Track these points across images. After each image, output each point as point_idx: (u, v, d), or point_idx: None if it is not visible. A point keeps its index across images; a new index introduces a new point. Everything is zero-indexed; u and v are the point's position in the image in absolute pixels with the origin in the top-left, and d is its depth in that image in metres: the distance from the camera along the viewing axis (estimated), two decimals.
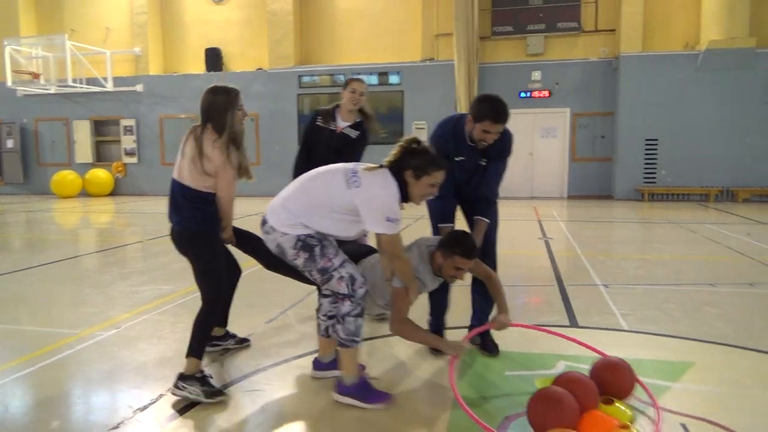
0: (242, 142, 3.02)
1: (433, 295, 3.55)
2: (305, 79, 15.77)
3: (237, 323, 3.87)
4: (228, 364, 3.43)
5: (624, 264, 6.44)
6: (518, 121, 14.85)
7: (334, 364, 3.17)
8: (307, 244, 2.77)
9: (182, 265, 4.10)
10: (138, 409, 2.83)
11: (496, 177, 3.46)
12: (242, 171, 3.04)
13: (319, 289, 3.21)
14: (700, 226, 9.29)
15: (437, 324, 3.67)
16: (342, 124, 4.32)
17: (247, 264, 3.58)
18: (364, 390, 2.88)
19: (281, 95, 15.78)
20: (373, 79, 15.32)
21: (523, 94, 14.66)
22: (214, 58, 16.27)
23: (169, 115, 16.56)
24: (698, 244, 7.79)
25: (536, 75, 14.57)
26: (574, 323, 4.22)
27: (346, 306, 2.81)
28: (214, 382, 3.01)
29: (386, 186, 2.74)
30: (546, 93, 14.57)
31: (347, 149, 4.19)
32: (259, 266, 3.27)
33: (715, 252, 7.16)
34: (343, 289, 2.80)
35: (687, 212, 11.46)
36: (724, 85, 13.28)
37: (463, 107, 14.27)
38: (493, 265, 3.46)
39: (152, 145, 16.87)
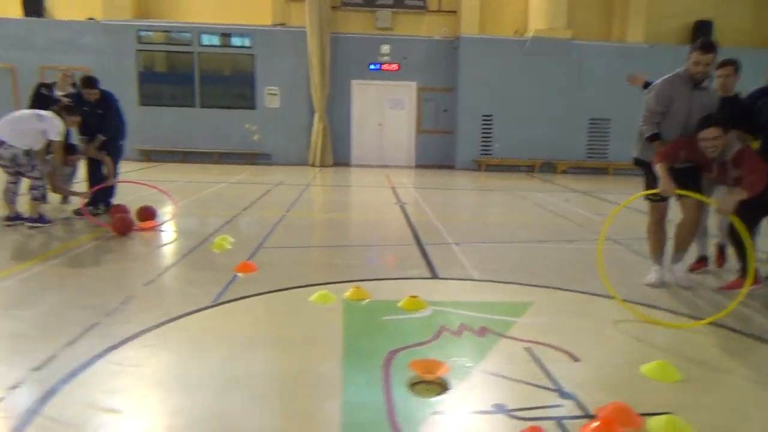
0: None
1: None
2: (144, 34, 14.67)
3: (115, 285, 3.76)
4: (117, 326, 3.39)
5: (469, 226, 7.24)
6: (369, 92, 15.44)
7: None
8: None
9: None
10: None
11: None
12: None
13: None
14: (529, 194, 10.61)
15: None
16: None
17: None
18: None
19: (118, 50, 14.50)
20: (228, 40, 14.80)
21: (372, 66, 15.19)
22: (34, 1, 14.40)
23: None
24: (527, 208, 8.94)
25: (385, 48, 15.15)
26: (435, 275, 4.78)
27: None
28: None
29: None
30: (395, 66, 15.24)
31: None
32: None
33: (541, 215, 8.31)
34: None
35: (517, 181, 12.93)
36: (546, 69, 15.01)
37: (316, 76, 14.42)
38: None
39: None
